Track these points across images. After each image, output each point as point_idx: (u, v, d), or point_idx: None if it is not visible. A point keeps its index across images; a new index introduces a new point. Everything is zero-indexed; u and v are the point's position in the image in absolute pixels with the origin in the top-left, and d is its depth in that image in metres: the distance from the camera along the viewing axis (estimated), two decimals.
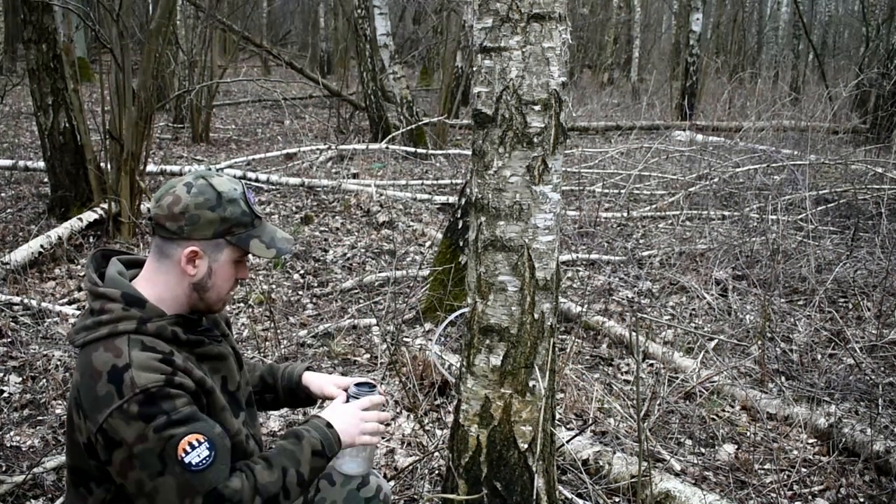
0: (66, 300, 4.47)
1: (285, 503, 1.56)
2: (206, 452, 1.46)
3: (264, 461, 1.57)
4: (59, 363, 3.58)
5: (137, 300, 1.54)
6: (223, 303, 1.68)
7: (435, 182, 7.66)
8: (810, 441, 3.08)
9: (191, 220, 1.55)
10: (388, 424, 1.84)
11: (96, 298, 1.55)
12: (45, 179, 6.40)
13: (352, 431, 1.69)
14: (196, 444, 1.45)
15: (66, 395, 3.36)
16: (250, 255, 1.65)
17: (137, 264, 1.66)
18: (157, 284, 1.59)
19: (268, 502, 1.52)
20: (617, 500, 2.64)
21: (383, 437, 3.05)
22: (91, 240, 5.41)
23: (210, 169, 6.87)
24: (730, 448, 3.01)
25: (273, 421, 3.18)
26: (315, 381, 1.91)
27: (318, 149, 8.90)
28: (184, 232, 1.56)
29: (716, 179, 7.14)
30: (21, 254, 4.71)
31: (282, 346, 3.79)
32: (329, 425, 1.66)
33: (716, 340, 3.94)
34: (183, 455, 1.44)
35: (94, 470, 1.53)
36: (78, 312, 4.17)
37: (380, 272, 5.10)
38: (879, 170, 7.13)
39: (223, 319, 1.83)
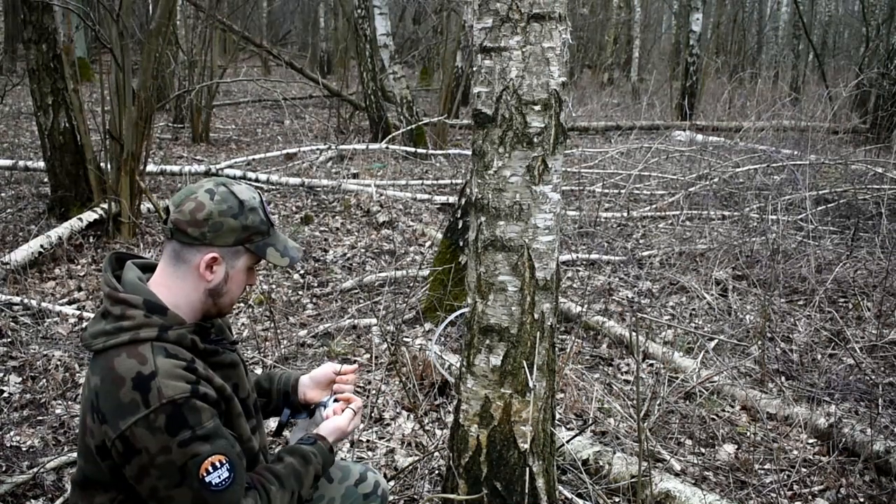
0: (66, 300, 4.47)
1: None
2: (227, 474, 1.49)
3: (278, 481, 1.63)
4: (59, 363, 3.57)
5: (159, 307, 1.55)
6: (232, 307, 1.71)
7: (435, 182, 7.66)
8: (810, 441, 3.08)
9: (214, 227, 1.56)
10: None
11: (116, 303, 1.55)
12: (45, 179, 6.40)
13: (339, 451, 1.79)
14: (218, 464, 1.48)
15: (66, 394, 3.36)
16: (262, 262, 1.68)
17: (150, 268, 1.67)
18: (171, 289, 1.59)
19: None
20: (617, 500, 2.64)
21: (382, 438, 3.05)
22: (91, 240, 5.41)
23: (210, 169, 6.82)
24: (730, 448, 3.01)
25: (273, 422, 3.18)
26: (304, 383, 1.94)
27: (318, 149, 8.90)
28: (206, 238, 1.57)
29: (716, 179, 7.14)
30: (21, 254, 4.71)
31: (282, 346, 3.79)
32: (331, 450, 1.76)
33: (716, 340, 3.94)
34: (205, 475, 1.47)
35: (106, 474, 1.53)
36: (77, 312, 4.18)
37: (380, 272, 5.10)
38: (879, 170, 7.13)
39: (227, 325, 1.85)
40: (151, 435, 1.44)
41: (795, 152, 7.81)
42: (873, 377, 3.51)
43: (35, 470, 2.69)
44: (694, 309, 4.48)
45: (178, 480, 1.46)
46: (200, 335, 1.61)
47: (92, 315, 4.15)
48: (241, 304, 4.47)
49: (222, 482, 1.48)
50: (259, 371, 2.07)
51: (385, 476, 2.71)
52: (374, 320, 4.13)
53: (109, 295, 1.56)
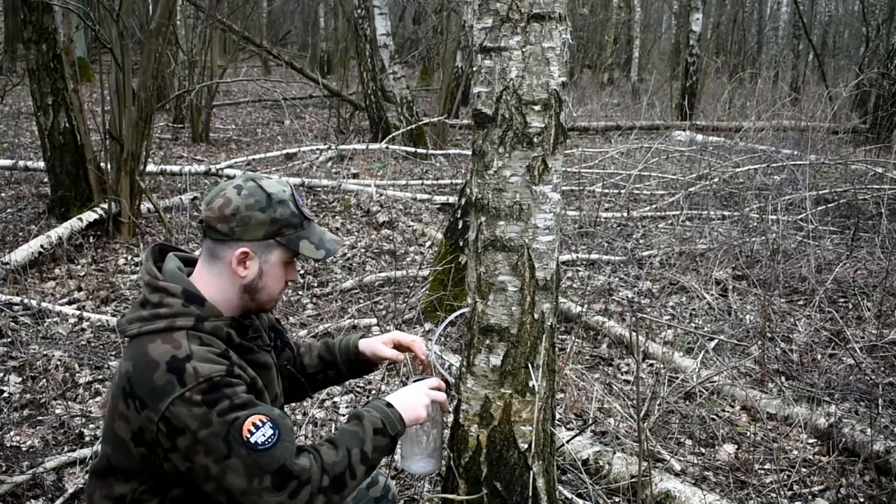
0: (66, 300, 4.47)
1: (352, 482, 1.57)
2: (271, 431, 1.47)
3: (329, 443, 1.59)
4: (59, 363, 3.57)
5: (197, 298, 1.56)
6: (274, 302, 1.70)
7: (435, 182, 7.66)
8: (810, 441, 3.08)
9: (242, 222, 1.57)
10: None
11: (155, 291, 1.56)
12: (45, 179, 6.40)
13: (412, 408, 1.70)
14: (260, 423, 1.47)
15: (66, 394, 3.36)
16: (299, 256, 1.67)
17: (191, 263, 1.68)
18: (210, 285, 1.60)
19: (335, 480, 1.54)
20: (617, 500, 2.64)
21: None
22: (91, 240, 5.41)
23: (210, 169, 6.79)
24: (730, 448, 3.01)
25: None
26: (369, 347, 1.95)
27: (318, 149, 8.90)
28: (235, 233, 1.58)
29: (716, 179, 7.14)
30: (21, 254, 4.71)
31: None
32: (389, 405, 1.68)
33: (716, 340, 3.94)
34: (248, 436, 1.45)
35: (136, 461, 1.53)
36: (77, 312, 4.18)
37: (380, 272, 5.10)
38: (879, 170, 7.13)
39: (271, 327, 1.86)
40: (189, 410, 1.44)
41: (795, 152, 7.81)
42: (873, 377, 3.51)
43: (35, 470, 2.69)
44: (694, 309, 4.48)
45: (226, 451, 1.45)
46: (238, 330, 1.61)
47: (92, 315, 4.16)
48: None
49: (268, 440, 1.46)
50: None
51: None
52: (374, 320, 4.13)
53: (149, 283, 1.58)
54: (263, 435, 1.46)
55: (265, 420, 1.48)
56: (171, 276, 1.59)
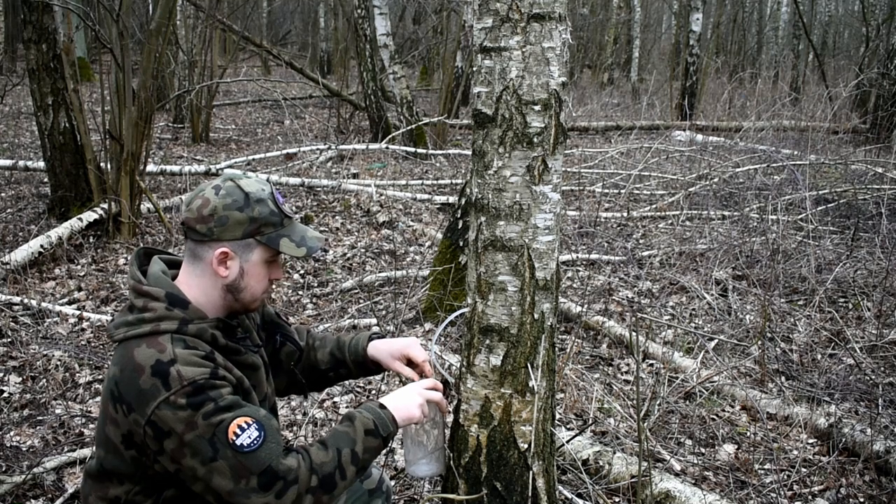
0: (66, 300, 4.47)
1: (342, 482, 1.57)
2: (256, 433, 1.48)
3: (319, 443, 1.60)
4: (59, 363, 3.58)
5: (181, 301, 1.57)
6: (259, 302, 1.69)
7: (435, 182, 7.66)
8: (810, 441, 3.08)
9: (220, 222, 1.57)
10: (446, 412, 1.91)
11: (140, 296, 1.57)
12: (45, 179, 6.41)
13: (405, 409, 1.70)
14: (245, 426, 1.48)
15: (66, 394, 3.36)
16: (283, 255, 1.67)
17: (178, 265, 1.68)
18: (193, 287, 1.61)
19: (324, 480, 1.54)
20: (617, 500, 2.64)
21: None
22: (91, 240, 5.41)
23: (210, 169, 6.79)
24: (730, 448, 3.01)
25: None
26: (378, 354, 1.94)
27: (318, 149, 8.90)
28: (213, 233, 1.58)
29: (716, 179, 7.14)
30: (21, 254, 4.71)
31: None
32: (382, 406, 1.69)
33: (716, 340, 3.94)
34: (234, 437, 1.46)
35: (128, 464, 1.54)
36: (77, 312, 4.18)
37: (380, 272, 5.10)
38: (879, 170, 7.13)
39: (270, 322, 1.85)
40: (174, 414, 1.45)
41: (795, 152, 7.81)
42: (873, 377, 3.51)
43: (35, 470, 2.69)
44: (694, 309, 4.48)
45: (212, 453, 1.46)
46: (224, 332, 1.62)
47: (92, 315, 4.16)
48: None
49: (253, 441, 1.47)
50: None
51: None
52: (374, 320, 4.13)
53: (134, 288, 1.59)
54: (249, 437, 1.47)
55: (251, 422, 1.48)
56: (155, 279, 1.59)
